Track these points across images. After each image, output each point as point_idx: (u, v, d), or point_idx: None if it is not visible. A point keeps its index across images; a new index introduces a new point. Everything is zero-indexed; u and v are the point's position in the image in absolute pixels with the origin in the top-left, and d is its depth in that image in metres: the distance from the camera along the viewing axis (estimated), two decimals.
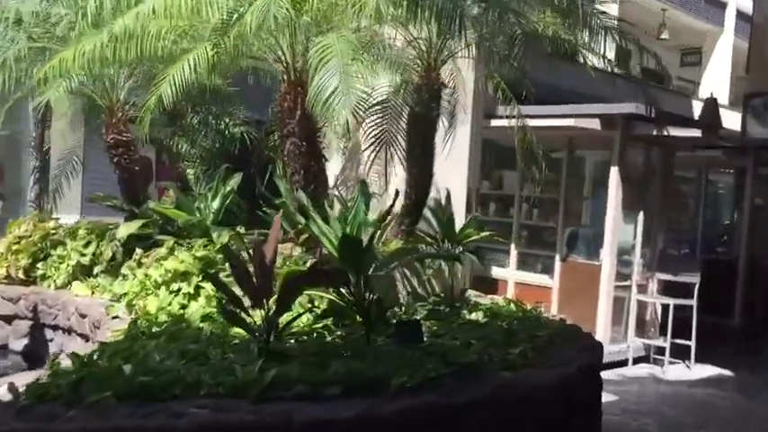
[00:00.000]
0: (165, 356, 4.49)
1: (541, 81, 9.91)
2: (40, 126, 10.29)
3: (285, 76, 6.68)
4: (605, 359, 9.74)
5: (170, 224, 7.51)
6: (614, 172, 10.04)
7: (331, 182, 8.86)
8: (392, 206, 5.27)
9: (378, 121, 7.56)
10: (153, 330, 5.23)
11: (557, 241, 10.77)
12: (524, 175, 10.35)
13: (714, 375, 10.00)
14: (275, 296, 4.68)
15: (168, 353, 4.56)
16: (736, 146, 12.28)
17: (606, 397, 8.53)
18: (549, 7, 6.89)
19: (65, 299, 7.27)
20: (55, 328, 7.39)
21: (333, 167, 9.03)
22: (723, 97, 19.03)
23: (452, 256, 6.95)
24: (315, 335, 5.41)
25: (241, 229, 7.08)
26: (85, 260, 7.59)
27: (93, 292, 7.27)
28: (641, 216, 10.61)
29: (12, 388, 4.04)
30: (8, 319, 7.86)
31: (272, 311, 4.69)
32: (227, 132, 9.20)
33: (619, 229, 10.20)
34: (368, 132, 7.45)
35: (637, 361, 10.37)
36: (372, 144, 7.55)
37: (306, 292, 5.65)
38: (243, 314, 4.72)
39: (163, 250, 7.00)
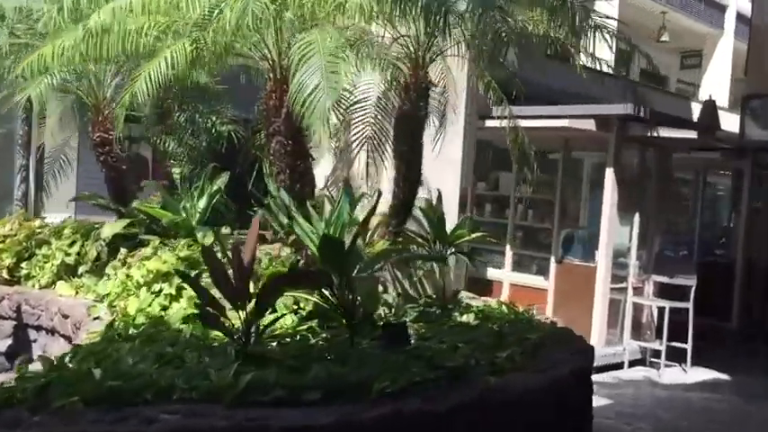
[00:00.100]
0: (138, 360, 4.37)
1: (536, 81, 9.82)
2: (27, 124, 10.16)
3: (271, 74, 6.55)
4: (601, 362, 9.74)
5: (156, 224, 7.40)
6: (609, 173, 9.93)
7: (321, 182, 8.76)
8: (374, 207, 5.15)
9: (364, 119, 7.42)
10: (130, 332, 5.11)
11: (552, 243, 10.65)
12: (519, 175, 10.24)
13: (710, 379, 9.88)
14: (254, 298, 4.56)
15: (143, 356, 4.43)
16: (734, 148, 12.17)
17: (601, 400, 8.47)
18: (537, 5, 6.74)
19: (48, 299, 7.16)
20: (38, 328, 7.27)
21: (324, 167, 8.92)
22: (723, 100, 18.94)
23: (437, 258, 6.82)
24: (298, 337, 5.30)
25: (227, 229, 6.96)
26: (70, 260, 7.47)
27: (77, 293, 7.15)
28: (637, 218, 10.52)
29: None
30: None
31: (250, 314, 4.57)
32: (213, 131, 9.09)
33: (614, 230, 10.11)
34: (352, 131, 7.31)
35: (633, 364, 10.25)
36: (357, 143, 7.40)
37: (291, 293, 5.55)
38: (221, 316, 4.59)
39: (148, 250, 6.90)
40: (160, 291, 5.92)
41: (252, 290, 4.70)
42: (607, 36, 6.93)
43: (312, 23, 5.87)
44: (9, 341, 7.60)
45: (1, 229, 8.29)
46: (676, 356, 10.12)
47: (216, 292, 4.70)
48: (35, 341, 7.38)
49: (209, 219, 7.35)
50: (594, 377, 9.22)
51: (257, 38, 6.09)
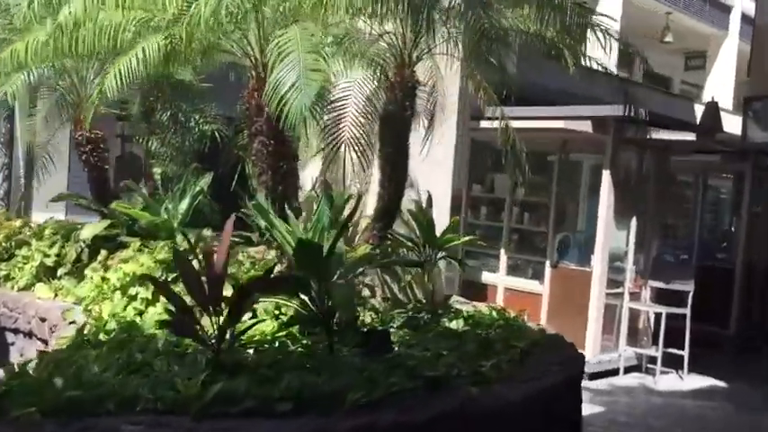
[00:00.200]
0: (105, 367, 4.20)
1: (532, 81, 9.64)
2: (9, 122, 10.01)
3: (253, 72, 6.37)
4: (596, 368, 9.60)
5: (138, 225, 7.23)
6: (606, 176, 9.76)
7: (309, 184, 8.59)
8: (355, 210, 4.98)
9: (343, 118, 7.23)
10: (100, 338, 4.94)
11: (547, 247, 10.48)
12: (513, 178, 10.06)
13: (707, 386, 9.72)
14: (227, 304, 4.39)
15: (109, 363, 4.26)
16: (735, 150, 11.99)
17: (594, 408, 8.34)
18: (525, 2, 6.53)
19: (26, 301, 6.97)
20: (16, 331, 7.08)
21: (312, 169, 8.73)
22: (727, 101, 18.76)
23: (413, 263, 6.64)
24: (277, 344, 5.13)
25: (208, 231, 6.79)
26: (49, 261, 7.29)
27: (56, 295, 6.98)
28: (634, 222, 10.34)
29: None
30: None
31: (224, 321, 4.40)
32: (197, 130, 8.91)
33: (611, 234, 9.94)
34: (332, 131, 7.13)
35: (628, 370, 10.10)
36: (334, 143, 7.21)
37: (272, 298, 5.39)
38: (193, 323, 4.42)
39: (129, 252, 6.74)
40: (136, 295, 5.74)
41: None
42: (600, 34, 6.73)
43: (293, 20, 5.70)
44: None
45: None
46: (673, 363, 9.95)
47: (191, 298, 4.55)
48: (13, 344, 7.19)
49: (192, 220, 7.18)
50: (589, 384, 9.20)
51: (239, 34, 5.91)
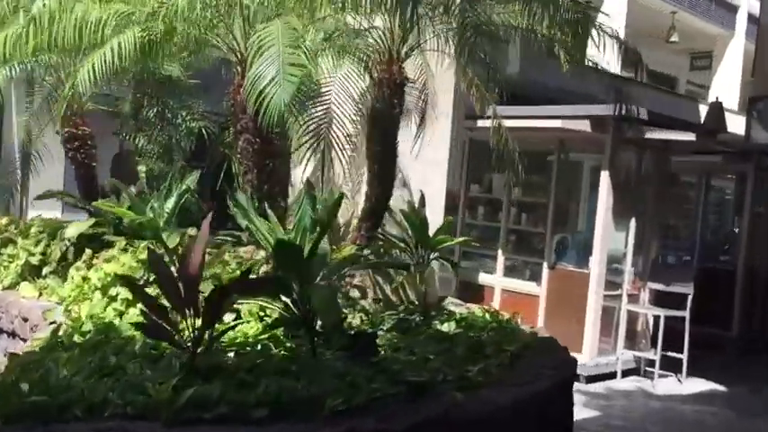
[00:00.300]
0: (76, 371, 4.07)
1: (532, 79, 9.50)
2: None
3: (238, 67, 6.23)
4: (593, 371, 9.46)
5: (123, 224, 7.09)
6: (605, 176, 9.61)
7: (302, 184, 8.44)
8: (336, 209, 4.83)
9: (324, 115, 7.08)
10: (75, 339, 4.80)
11: (545, 248, 10.33)
12: (510, 178, 9.90)
13: (706, 390, 9.55)
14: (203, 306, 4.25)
15: (81, 366, 4.13)
16: (737, 151, 11.83)
17: (590, 412, 8.20)
18: None
19: (10, 300, 6.84)
20: (0, 331, 6.98)
21: (307, 168, 8.58)
22: (733, 102, 18.59)
23: (403, 265, 6.49)
24: (259, 347, 4.99)
25: (193, 231, 6.65)
26: (35, 260, 7.15)
27: (40, 294, 6.85)
28: (633, 223, 10.17)
29: None
30: None
31: (201, 323, 4.26)
32: (183, 127, 8.75)
33: (609, 236, 9.79)
34: (305, 128, 6.95)
35: (626, 374, 9.93)
36: (313, 142, 7.04)
37: (254, 300, 5.25)
38: (168, 326, 4.29)
39: (114, 251, 6.61)
40: (116, 295, 5.60)
41: None
42: (594, 31, 6.56)
43: (277, 13, 5.56)
44: None
45: None
46: (672, 366, 9.79)
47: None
48: None
49: (178, 219, 7.04)
50: (586, 387, 9.06)
51: (224, 29, 5.77)
